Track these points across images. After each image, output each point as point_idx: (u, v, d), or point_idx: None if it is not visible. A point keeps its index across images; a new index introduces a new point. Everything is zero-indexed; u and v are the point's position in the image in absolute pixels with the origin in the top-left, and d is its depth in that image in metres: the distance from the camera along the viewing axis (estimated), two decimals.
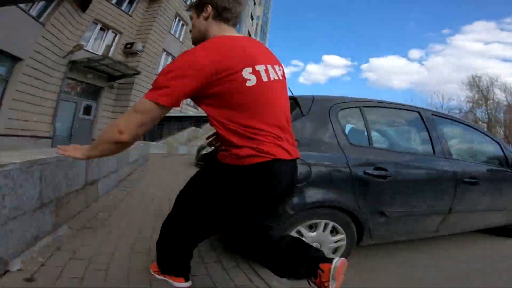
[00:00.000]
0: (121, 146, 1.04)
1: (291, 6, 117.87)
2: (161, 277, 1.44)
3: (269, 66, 1.08)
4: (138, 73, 13.46)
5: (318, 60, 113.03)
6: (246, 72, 0.99)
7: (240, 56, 1.01)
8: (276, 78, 1.11)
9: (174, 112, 15.13)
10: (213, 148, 1.48)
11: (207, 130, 16.95)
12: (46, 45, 10.02)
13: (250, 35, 27.20)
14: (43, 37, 9.79)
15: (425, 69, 60.80)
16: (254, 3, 27.14)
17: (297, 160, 1.17)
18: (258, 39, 29.46)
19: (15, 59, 9.05)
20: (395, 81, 65.25)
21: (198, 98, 1.03)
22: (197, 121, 16.15)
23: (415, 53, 67.01)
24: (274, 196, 1.11)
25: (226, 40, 1.05)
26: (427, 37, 74.90)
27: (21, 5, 8.42)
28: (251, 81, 0.99)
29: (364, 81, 79.48)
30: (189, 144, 13.80)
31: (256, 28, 29.02)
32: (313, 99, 2.05)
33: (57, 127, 11.39)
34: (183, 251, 1.35)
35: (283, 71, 1.22)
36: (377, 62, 72.84)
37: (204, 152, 7.19)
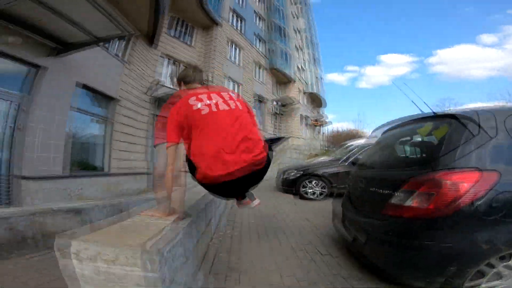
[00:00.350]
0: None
1: (331, 11, 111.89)
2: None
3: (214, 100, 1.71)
4: None
5: (374, 62, 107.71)
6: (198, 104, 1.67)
7: None
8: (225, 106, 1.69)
9: None
10: None
11: (278, 152, 16.03)
12: (130, 82, 9.95)
13: (299, 50, 26.65)
14: (125, 75, 9.74)
15: (507, 53, 53.38)
16: (294, 17, 26.76)
17: None
18: (309, 51, 29.22)
19: (111, 99, 8.95)
20: (473, 71, 58.42)
21: None
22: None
23: (486, 38, 60.83)
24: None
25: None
26: (495, 19, 68.06)
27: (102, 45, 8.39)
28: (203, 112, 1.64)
29: (435, 75, 73.17)
30: None
31: (303, 41, 28.43)
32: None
33: (151, 163, 11.18)
34: None
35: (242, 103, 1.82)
36: (445, 54, 67.18)
37: (291, 176, 7.53)
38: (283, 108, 22.08)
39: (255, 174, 1.68)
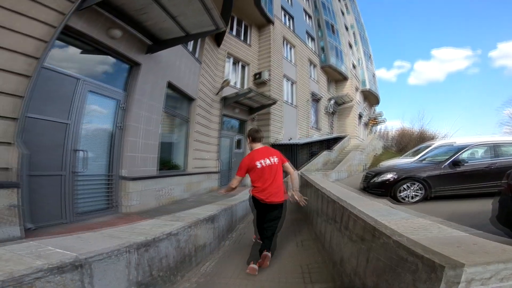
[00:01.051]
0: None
1: (377, 5, 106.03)
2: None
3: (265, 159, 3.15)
4: (275, 102, 12.69)
5: (427, 57, 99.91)
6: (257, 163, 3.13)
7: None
8: (269, 163, 3.16)
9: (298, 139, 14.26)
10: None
11: (338, 152, 15.15)
12: (204, 82, 9.75)
13: (351, 47, 25.38)
14: (202, 75, 9.53)
15: None
16: (342, 13, 25.50)
17: None
18: (360, 47, 27.76)
19: (190, 100, 8.78)
20: None
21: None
22: (321, 144, 14.37)
23: None
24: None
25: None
26: None
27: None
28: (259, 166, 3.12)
29: (500, 70, 66.43)
30: (324, 168, 12.43)
31: (354, 37, 27.04)
32: None
33: (221, 162, 11.03)
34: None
35: (278, 157, 3.25)
36: (507, 47, 60.17)
37: (386, 180, 6.89)
38: (338, 107, 21.00)
39: (275, 206, 3.20)
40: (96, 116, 5.04)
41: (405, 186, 6.61)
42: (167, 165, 7.53)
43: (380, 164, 10.96)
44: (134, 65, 5.84)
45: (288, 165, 3.34)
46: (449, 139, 11.37)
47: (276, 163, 3.17)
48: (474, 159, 6.83)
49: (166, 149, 7.54)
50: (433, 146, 10.30)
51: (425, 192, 6.51)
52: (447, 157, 6.93)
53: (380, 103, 29.20)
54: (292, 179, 3.43)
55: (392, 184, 6.65)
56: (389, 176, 6.77)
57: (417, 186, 6.56)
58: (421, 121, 33.01)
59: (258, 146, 3.27)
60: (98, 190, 5.06)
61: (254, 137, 3.29)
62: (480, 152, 7.15)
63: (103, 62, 5.34)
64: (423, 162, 7.70)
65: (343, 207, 2.34)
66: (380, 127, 29.29)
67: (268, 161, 3.12)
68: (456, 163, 6.52)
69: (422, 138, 18.23)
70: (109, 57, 5.37)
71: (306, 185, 5.47)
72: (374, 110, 28.61)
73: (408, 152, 11.81)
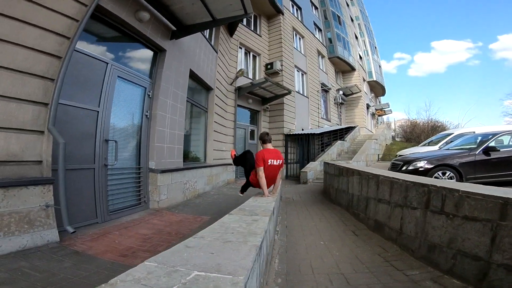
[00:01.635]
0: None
1: None
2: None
3: (274, 160, 3.88)
4: (290, 92, 12.28)
5: (427, 48, 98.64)
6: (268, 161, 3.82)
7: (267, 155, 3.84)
8: (276, 163, 3.91)
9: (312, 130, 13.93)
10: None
11: (351, 141, 14.83)
12: (220, 72, 9.34)
13: (356, 38, 24.83)
14: (218, 65, 9.12)
15: None
16: (347, 5, 24.86)
17: None
18: (366, 39, 27.15)
19: (208, 89, 8.39)
20: None
21: None
22: (334, 134, 13.97)
23: None
24: None
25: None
26: None
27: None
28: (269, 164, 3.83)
29: (500, 62, 65.70)
30: (339, 158, 12.20)
31: (360, 28, 26.42)
32: None
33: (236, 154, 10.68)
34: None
35: (282, 160, 4.01)
36: (508, 39, 59.25)
37: (420, 168, 6.52)
38: (346, 98, 20.58)
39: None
40: (124, 103, 4.65)
41: (436, 174, 6.30)
42: (189, 157, 7.20)
43: (398, 153, 10.63)
44: (159, 51, 5.45)
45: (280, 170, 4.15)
46: (465, 128, 10.98)
47: (280, 165, 3.98)
48: (505, 146, 6.54)
49: (187, 140, 7.20)
50: (453, 134, 9.95)
51: (457, 180, 6.22)
52: (476, 145, 6.67)
53: (385, 95, 28.75)
54: (277, 181, 4.24)
55: (425, 172, 6.33)
56: (421, 164, 6.44)
57: (449, 174, 6.27)
58: (427, 112, 32.65)
59: (269, 146, 4.01)
60: (128, 184, 4.70)
61: (264, 140, 4.01)
62: (507, 139, 6.87)
63: (130, 48, 4.95)
64: (451, 150, 7.36)
65: (451, 189, 2.19)
66: (385, 118, 28.94)
67: (275, 162, 3.89)
68: (489, 150, 6.22)
69: (434, 129, 17.91)
70: (136, 43, 4.97)
71: (343, 173, 5.12)
72: (380, 101, 28.17)
73: (425, 141, 11.48)
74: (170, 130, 5.59)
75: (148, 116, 5.14)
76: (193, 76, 6.96)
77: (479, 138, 7.25)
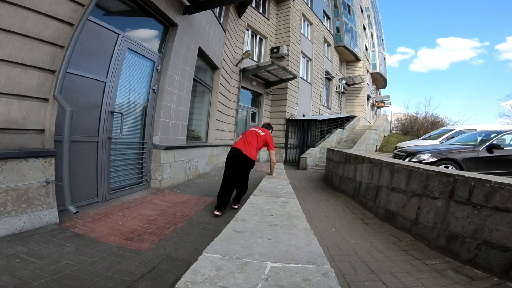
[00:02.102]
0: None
1: None
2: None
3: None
4: (295, 76, 12.00)
5: (432, 45, 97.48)
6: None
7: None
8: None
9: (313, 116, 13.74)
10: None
11: (350, 130, 14.70)
12: (227, 52, 9.01)
13: (364, 29, 24.24)
14: (225, 44, 8.77)
15: None
16: None
17: None
18: (374, 30, 26.53)
19: (214, 68, 8.10)
20: None
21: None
22: (335, 122, 13.78)
23: None
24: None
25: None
26: None
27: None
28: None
29: (504, 63, 65.39)
30: (338, 146, 12.16)
31: (369, 20, 25.75)
32: None
33: (237, 135, 10.56)
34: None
35: (263, 133, 4.07)
36: None
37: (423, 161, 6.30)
38: (348, 87, 20.32)
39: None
40: (133, 76, 4.39)
41: (443, 167, 6.24)
42: (191, 135, 7.01)
43: (398, 145, 10.56)
44: (170, 26, 5.15)
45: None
46: (467, 125, 10.93)
47: (259, 136, 4.07)
48: (507, 145, 6.50)
49: (190, 117, 6.98)
50: (455, 130, 9.90)
51: None
52: (478, 142, 6.66)
53: (386, 87, 28.49)
54: (272, 163, 4.41)
55: (428, 165, 6.28)
56: (425, 157, 6.36)
57: (451, 169, 6.21)
58: (426, 107, 32.57)
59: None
60: (131, 161, 4.50)
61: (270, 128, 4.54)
62: (508, 139, 6.82)
63: (142, 21, 4.65)
64: (454, 145, 7.30)
65: (481, 179, 2.12)
66: (383, 110, 28.84)
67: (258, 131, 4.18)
68: (492, 148, 6.18)
69: (433, 124, 17.91)
70: (148, 17, 4.67)
71: (350, 161, 5.01)
72: (380, 93, 27.94)
73: (426, 135, 11.41)
74: (176, 106, 5.37)
75: (155, 91, 4.90)
76: (201, 53, 6.67)
77: (482, 135, 7.21)
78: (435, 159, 6.23)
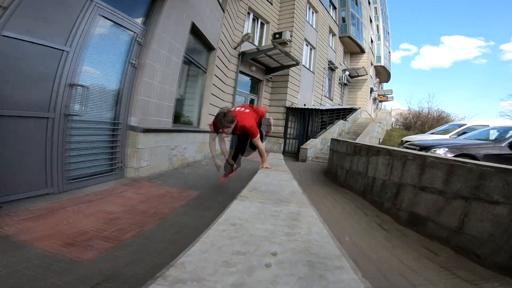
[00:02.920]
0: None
1: None
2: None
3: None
4: (298, 63, 11.11)
5: (435, 42, 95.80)
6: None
7: None
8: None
9: (316, 106, 12.89)
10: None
11: (352, 122, 13.91)
12: (225, 33, 8.12)
13: (371, 21, 23.19)
14: (224, 24, 7.88)
15: None
16: None
17: None
18: (380, 23, 25.37)
19: (210, 49, 7.22)
20: None
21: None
22: (337, 113, 12.91)
23: None
24: None
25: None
26: None
27: None
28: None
29: (507, 63, 64.38)
30: (341, 138, 11.07)
31: (376, 12, 24.63)
32: None
33: None
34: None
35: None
36: None
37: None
38: (351, 79, 19.40)
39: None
40: (105, 47, 3.57)
41: None
42: (181, 120, 6.19)
43: (404, 139, 9.77)
44: None
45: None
46: (479, 121, 10.12)
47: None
48: None
49: (180, 100, 6.17)
50: (465, 126, 9.12)
51: None
52: (497, 138, 6.09)
53: (389, 82, 27.53)
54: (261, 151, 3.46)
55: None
56: (441, 151, 5.58)
57: None
58: (429, 103, 31.75)
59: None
60: (99, 144, 3.69)
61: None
62: None
63: None
64: (471, 140, 6.52)
65: None
66: (383, 105, 28.01)
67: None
68: None
69: (439, 120, 17.15)
70: None
71: (360, 152, 4.22)
72: (382, 87, 26.98)
73: (434, 130, 10.63)
74: (160, 84, 4.54)
75: (134, 65, 4.07)
76: (195, 31, 5.81)
77: (501, 131, 6.50)
78: (452, 155, 5.45)
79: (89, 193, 3.18)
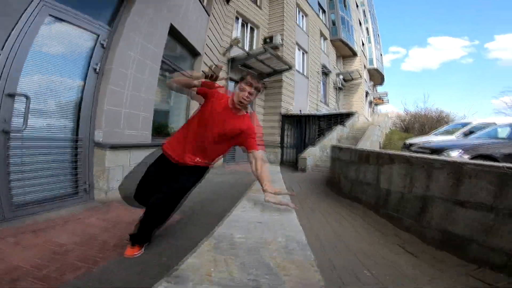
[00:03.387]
0: None
1: None
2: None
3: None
4: (291, 67, 10.61)
5: (422, 44, 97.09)
6: None
7: None
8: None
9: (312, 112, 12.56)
10: None
11: (350, 127, 13.32)
12: (211, 38, 7.59)
13: (360, 24, 23.00)
14: (210, 29, 7.36)
15: None
16: None
17: None
18: (370, 25, 25.21)
19: (195, 55, 6.67)
20: None
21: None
22: (334, 119, 12.34)
23: None
24: None
25: None
26: None
27: None
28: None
29: (493, 61, 65.27)
30: (338, 144, 10.50)
31: (364, 15, 24.52)
32: None
33: None
34: None
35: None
36: (505, 39, 58.80)
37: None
38: (346, 83, 18.98)
39: None
40: (58, 50, 2.98)
41: None
42: (163, 132, 5.55)
43: (407, 141, 9.18)
44: None
45: None
46: (485, 119, 9.57)
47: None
48: None
49: (163, 112, 5.56)
50: (471, 125, 8.56)
51: None
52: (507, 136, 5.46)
53: (383, 84, 27.21)
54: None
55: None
56: (455, 154, 4.97)
57: None
58: (425, 103, 31.51)
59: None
60: (56, 163, 3.04)
61: None
62: None
63: None
64: (485, 139, 5.94)
65: None
66: (379, 109, 27.63)
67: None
68: None
69: (439, 120, 16.69)
70: None
71: (368, 160, 3.59)
72: (376, 90, 26.64)
73: (437, 131, 10.06)
74: (132, 91, 3.92)
75: (97, 71, 3.46)
76: (175, 34, 5.25)
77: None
78: (468, 156, 4.84)
79: (43, 221, 2.54)
